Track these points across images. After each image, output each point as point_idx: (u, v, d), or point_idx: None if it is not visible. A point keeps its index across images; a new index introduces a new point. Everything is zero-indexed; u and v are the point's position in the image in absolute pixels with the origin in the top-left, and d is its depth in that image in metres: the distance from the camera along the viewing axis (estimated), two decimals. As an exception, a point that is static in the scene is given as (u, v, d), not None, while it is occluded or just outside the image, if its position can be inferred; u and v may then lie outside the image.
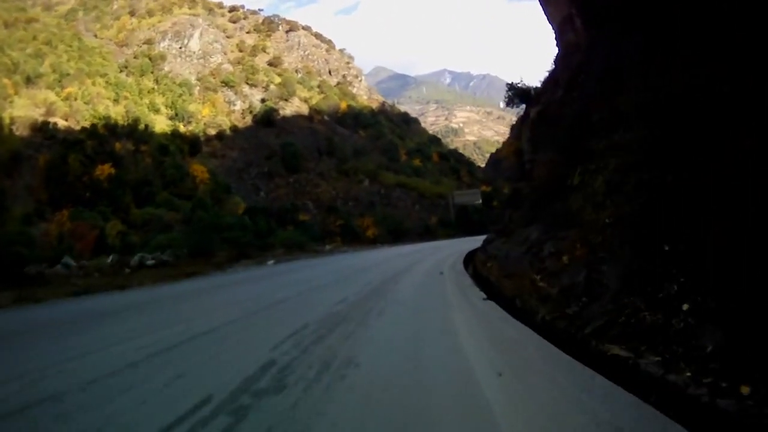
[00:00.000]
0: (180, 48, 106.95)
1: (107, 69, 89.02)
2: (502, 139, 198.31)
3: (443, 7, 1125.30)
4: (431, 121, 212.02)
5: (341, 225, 57.76)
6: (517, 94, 26.26)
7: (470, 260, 20.36)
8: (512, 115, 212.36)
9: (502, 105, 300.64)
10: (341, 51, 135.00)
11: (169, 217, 49.48)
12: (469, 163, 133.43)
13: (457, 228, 72.52)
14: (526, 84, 26.10)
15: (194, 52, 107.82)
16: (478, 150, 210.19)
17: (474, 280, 13.81)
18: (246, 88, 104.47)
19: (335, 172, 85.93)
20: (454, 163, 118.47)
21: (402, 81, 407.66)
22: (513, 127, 43.43)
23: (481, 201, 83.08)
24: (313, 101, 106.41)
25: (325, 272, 20.35)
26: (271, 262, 30.55)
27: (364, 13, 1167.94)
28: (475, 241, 32.73)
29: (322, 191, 79.74)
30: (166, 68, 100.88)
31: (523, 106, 26.54)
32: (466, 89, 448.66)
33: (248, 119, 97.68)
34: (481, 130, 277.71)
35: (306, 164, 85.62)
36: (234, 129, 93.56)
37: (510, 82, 26.82)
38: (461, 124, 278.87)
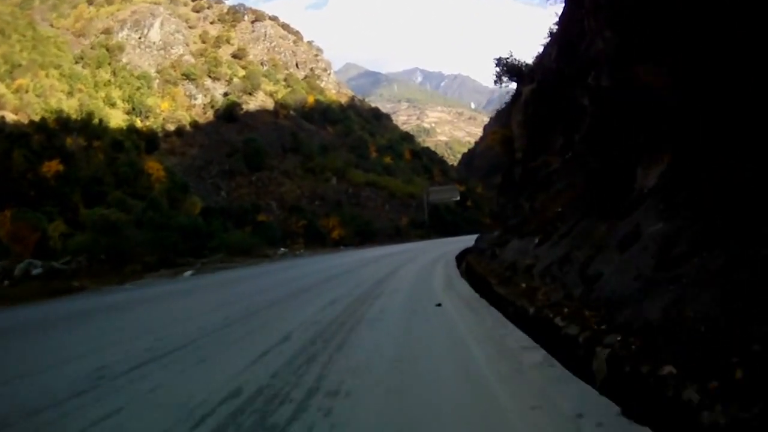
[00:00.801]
0: (139, 38, 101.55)
1: (62, 60, 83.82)
2: (473, 139, 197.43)
3: (416, 3, 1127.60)
4: (403, 120, 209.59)
5: (304, 226, 52.98)
6: (507, 70, 22.06)
7: (471, 274, 14.06)
8: (484, 116, 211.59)
9: (473, 105, 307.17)
10: (309, 43, 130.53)
11: (118, 218, 44.46)
12: (441, 162, 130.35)
13: (430, 229, 68.44)
14: (517, 59, 22.04)
15: (154, 43, 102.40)
16: (450, 150, 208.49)
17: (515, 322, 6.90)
18: (208, 82, 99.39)
19: (301, 169, 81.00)
20: (427, 161, 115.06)
21: (373, 78, 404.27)
22: (498, 114, 39.30)
23: (458, 198, 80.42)
24: (279, 95, 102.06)
25: (232, 299, 12.64)
26: (189, 273, 25.12)
27: (335, 8, 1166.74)
28: (454, 244, 31.30)
29: (287, 190, 74.81)
30: (124, 60, 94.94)
31: (513, 85, 23.04)
32: (437, 89, 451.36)
33: (210, 114, 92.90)
34: (452, 130, 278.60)
35: (270, 162, 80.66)
36: (194, 125, 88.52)
37: (498, 57, 22.76)
38: (433, 124, 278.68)
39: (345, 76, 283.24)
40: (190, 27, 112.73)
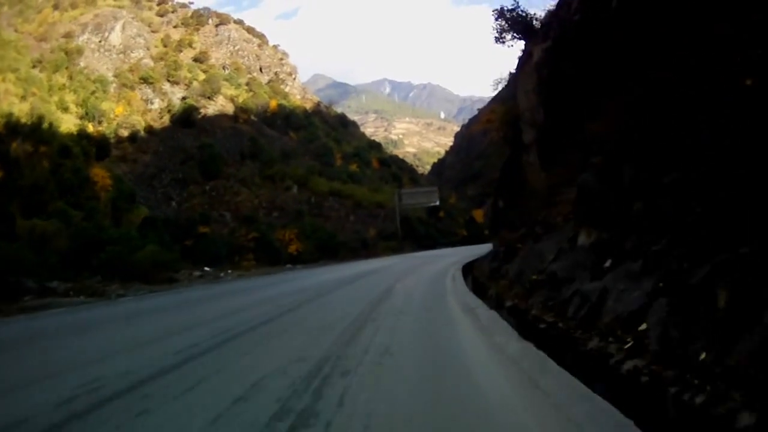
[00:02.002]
0: (99, 42, 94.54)
1: (20, 64, 76.56)
2: (443, 150, 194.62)
3: (385, 14, 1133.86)
4: (371, 132, 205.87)
5: (255, 239, 45.26)
6: (511, 25, 16.45)
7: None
8: (454, 125, 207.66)
9: (443, 115, 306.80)
10: (275, 47, 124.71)
11: (52, 229, 38.61)
12: (411, 170, 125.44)
13: (402, 241, 62.40)
14: (524, 10, 16.38)
15: (114, 47, 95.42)
16: (419, 161, 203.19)
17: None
18: (167, 86, 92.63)
19: (259, 177, 74.33)
20: (396, 169, 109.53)
21: (342, 89, 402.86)
22: (491, 101, 33.91)
23: (438, 202, 74.98)
24: (241, 100, 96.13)
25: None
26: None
27: (305, 19, 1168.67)
28: (438, 261, 30.94)
29: (243, 200, 68.13)
30: (82, 63, 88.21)
31: (520, 44, 18.65)
32: (406, 99, 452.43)
33: (166, 119, 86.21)
34: (420, 141, 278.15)
35: (227, 169, 74.06)
36: (149, 130, 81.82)
37: (500, 8, 17.63)
38: (401, 136, 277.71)
39: (313, 87, 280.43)
40: (153, 31, 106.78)
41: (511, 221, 19.43)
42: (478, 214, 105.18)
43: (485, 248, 42.87)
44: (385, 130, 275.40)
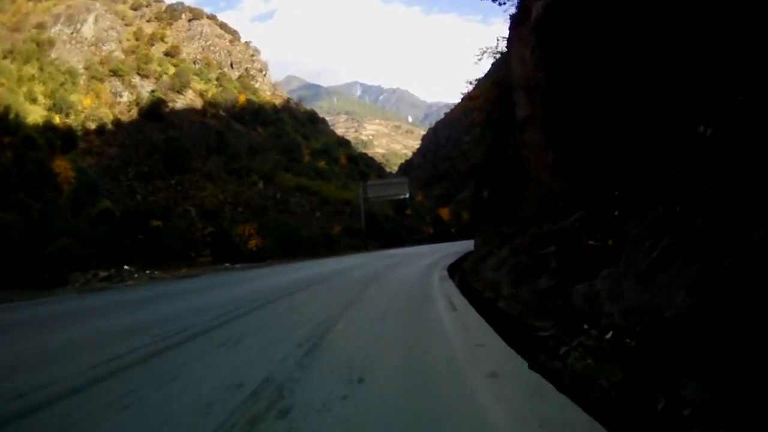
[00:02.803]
0: (71, 33, 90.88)
1: (-9, 54, 73.57)
2: (410, 152, 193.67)
3: (358, 20, 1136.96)
4: (341, 132, 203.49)
5: (213, 234, 40.27)
6: None
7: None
8: (421, 129, 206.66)
9: (410, 119, 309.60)
10: (246, 44, 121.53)
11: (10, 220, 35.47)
12: (379, 168, 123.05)
13: (367, 239, 58.83)
14: None
15: (86, 39, 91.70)
16: (387, 162, 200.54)
17: None
18: (137, 79, 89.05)
19: (225, 172, 71.00)
20: (364, 167, 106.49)
21: (314, 91, 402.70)
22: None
23: (407, 195, 69.33)
24: (210, 94, 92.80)
25: None
26: None
27: (280, 22, 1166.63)
28: (413, 263, 25.05)
29: (208, 194, 64.96)
30: (53, 55, 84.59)
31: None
32: (376, 102, 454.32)
33: (134, 112, 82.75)
34: (389, 143, 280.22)
35: (193, 163, 70.67)
36: (116, 123, 78.24)
37: None
38: (370, 137, 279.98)
39: (287, 88, 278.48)
40: (126, 24, 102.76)
41: (500, 214, 16.98)
42: (445, 212, 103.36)
43: (461, 246, 38.64)
44: (356, 131, 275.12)
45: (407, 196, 67.97)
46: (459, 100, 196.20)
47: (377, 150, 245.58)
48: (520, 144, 15.90)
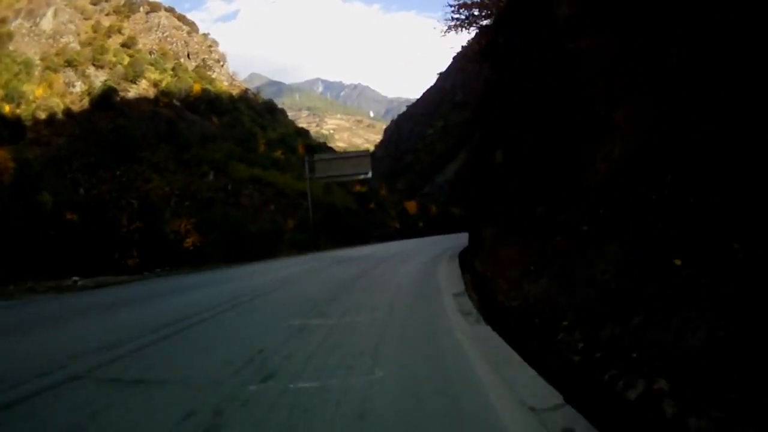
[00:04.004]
0: (31, 27, 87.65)
1: (-50, 47, 69.61)
2: (372, 146, 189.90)
3: (319, 18, 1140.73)
4: (302, 126, 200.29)
5: (140, 230, 33.07)
6: None
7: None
8: (383, 124, 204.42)
9: (372, 114, 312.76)
10: (204, 35, 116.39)
11: None
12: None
13: (317, 233, 48.96)
14: None
15: (44, 32, 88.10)
16: None
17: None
18: (91, 70, 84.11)
19: (173, 162, 63.92)
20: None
21: (276, 88, 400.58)
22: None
23: (370, 173, 53.27)
24: (164, 84, 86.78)
25: None
26: None
27: (244, 22, 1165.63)
28: (375, 280, 14.70)
29: (154, 186, 57.47)
30: (11, 48, 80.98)
31: None
32: (338, 98, 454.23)
33: (86, 102, 77.06)
34: (351, 137, 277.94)
35: (141, 154, 63.50)
36: (67, 112, 72.93)
37: None
38: (332, 131, 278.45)
39: (250, 86, 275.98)
40: (85, 18, 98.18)
41: (530, 190, 11.14)
42: (411, 206, 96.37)
43: (438, 245, 33.61)
44: (317, 125, 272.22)
45: (369, 174, 52.81)
46: (422, 93, 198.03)
47: (339, 144, 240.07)
48: (568, 59, 9.36)
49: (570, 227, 7.87)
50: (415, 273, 15.59)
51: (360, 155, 54.95)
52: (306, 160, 53.33)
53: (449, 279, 13.23)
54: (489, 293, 9.39)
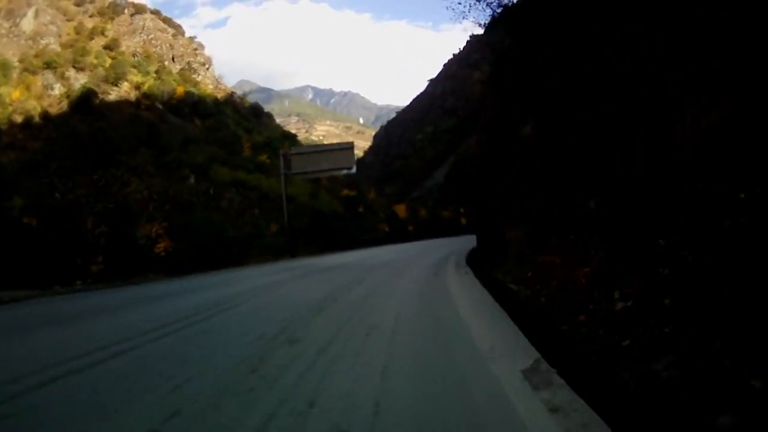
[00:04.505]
0: (10, 27, 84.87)
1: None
2: (361, 152, 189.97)
3: (310, 26, 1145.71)
4: (290, 131, 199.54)
5: (106, 235, 29.67)
6: None
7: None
8: (372, 130, 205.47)
9: (361, 121, 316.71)
10: (191, 38, 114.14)
11: None
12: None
13: (294, 239, 44.07)
14: None
15: (24, 32, 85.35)
16: None
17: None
18: (72, 72, 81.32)
19: (153, 166, 61.00)
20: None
21: (266, 94, 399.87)
22: None
23: (354, 168, 45.97)
24: (146, 86, 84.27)
25: None
26: None
27: (234, 28, 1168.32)
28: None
29: (132, 190, 54.90)
30: None
31: None
32: (327, 105, 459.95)
33: (65, 105, 74.61)
34: None
35: (120, 157, 60.72)
36: (45, 116, 70.25)
37: None
38: (321, 137, 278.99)
39: (239, 92, 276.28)
40: (68, 20, 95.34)
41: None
42: (401, 209, 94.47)
43: (440, 248, 31.18)
44: (306, 132, 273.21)
45: (353, 169, 45.85)
46: (411, 99, 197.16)
47: None
48: None
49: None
50: (417, 298, 10.08)
51: (342, 148, 47.06)
52: (281, 155, 48.53)
53: (478, 313, 7.68)
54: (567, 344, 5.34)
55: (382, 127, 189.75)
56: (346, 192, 79.19)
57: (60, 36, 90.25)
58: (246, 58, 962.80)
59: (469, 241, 29.62)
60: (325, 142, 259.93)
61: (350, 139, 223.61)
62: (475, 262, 17.28)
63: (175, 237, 32.95)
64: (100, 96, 75.65)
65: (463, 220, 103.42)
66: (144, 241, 30.30)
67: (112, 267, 25.83)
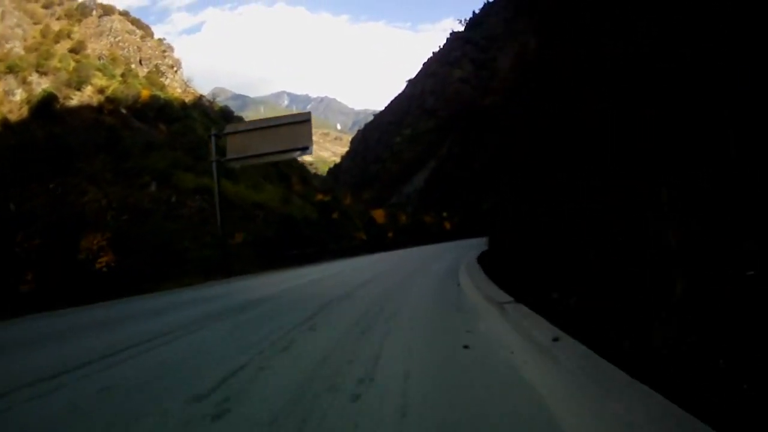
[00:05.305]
0: None
1: None
2: (339, 158, 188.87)
3: (286, 30, 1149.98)
4: None
5: (38, 248, 25.26)
6: None
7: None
8: (349, 136, 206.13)
9: (339, 126, 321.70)
10: (160, 40, 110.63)
11: None
12: (302, 168, 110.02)
13: (228, 257, 34.69)
14: None
15: None
16: (316, 170, 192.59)
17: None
18: (35, 76, 78.02)
19: (112, 173, 56.73)
20: (284, 167, 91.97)
21: (241, 101, 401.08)
22: None
23: (311, 149, 35.02)
24: (110, 90, 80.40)
25: None
26: None
27: (209, 33, 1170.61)
28: None
29: (90, 199, 51.30)
30: None
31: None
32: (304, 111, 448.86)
33: (25, 110, 71.15)
34: (318, 150, 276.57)
35: (79, 165, 57.17)
36: (4, 122, 67.13)
37: None
38: None
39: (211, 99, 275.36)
40: (35, 23, 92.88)
41: None
42: (379, 215, 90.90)
43: (435, 258, 26.51)
44: None
45: (310, 150, 35.14)
46: (388, 103, 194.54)
47: (305, 157, 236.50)
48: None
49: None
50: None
51: (295, 121, 34.93)
52: (211, 135, 38.25)
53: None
54: None
55: (359, 131, 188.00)
56: (320, 197, 75.97)
57: (25, 39, 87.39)
58: (221, 66, 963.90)
59: (463, 250, 26.22)
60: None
61: (327, 145, 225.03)
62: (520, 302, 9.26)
63: (124, 250, 29.19)
64: (62, 101, 72.21)
65: (448, 225, 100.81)
66: (86, 254, 26.67)
67: (45, 286, 22.29)
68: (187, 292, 21.06)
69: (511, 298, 9.66)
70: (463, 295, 11.30)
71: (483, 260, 19.90)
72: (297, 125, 34.12)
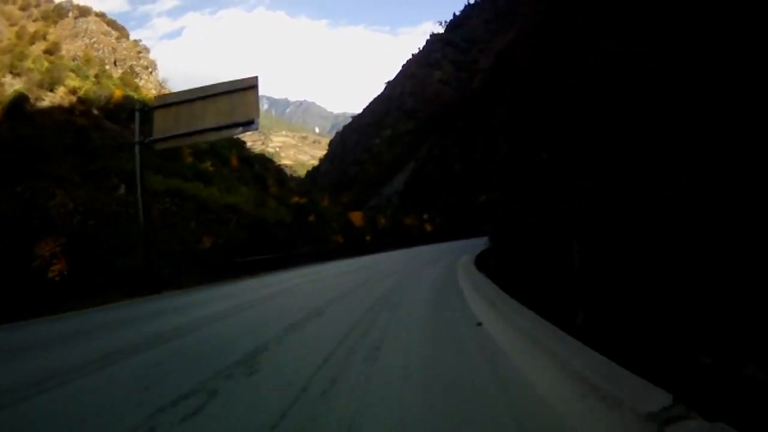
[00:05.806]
0: None
1: None
2: (317, 162, 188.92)
3: (265, 34, 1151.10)
4: (248, 146, 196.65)
5: None
6: None
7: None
8: (328, 139, 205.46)
9: (317, 130, 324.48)
10: (135, 41, 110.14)
11: None
12: (279, 171, 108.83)
13: (152, 259, 28.43)
14: None
15: None
16: (294, 173, 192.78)
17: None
18: (8, 78, 76.94)
19: (79, 175, 54.96)
20: (260, 169, 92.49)
21: None
22: None
23: (257, 123, 26.10)
24: (83, 91, 79.34)
25: None
26: None
27: (189, 38, 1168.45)
28: None
29: (57, 203, 49.26)
30: None
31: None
32: (282, 114, 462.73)
33: None
34: (296, 154, 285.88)
35: (48, 168, 55.15)
36: None
37: None
38: (277, 149, 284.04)
39: None
40: (11, 25, 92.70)
41: None
42: (357, 217, 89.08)
43: (428, 267, 22.81)
44: (263, 144, 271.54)
45: (255, 125, 26.29)
46: (368, 103, 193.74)
47: (285, 161, 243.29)
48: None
49: None
50: None
51: (237, 88, 26.43)
52: (136, 109, 29.96)
53: None
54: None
55: (337, 133, 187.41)
56: (296, 199, 74.43)
57: (0, 41, 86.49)
58: (201, 71, 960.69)
59: (452, 256, 24.45)
60: (282, 154, 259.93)
61: (306, 149, 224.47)
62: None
63: (81, 257, 27.21)
64: (33, 102, 70.94)
65: (429, 227, 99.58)
66: (39, 262, 24.76)
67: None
68: (81, 315, 17.00)
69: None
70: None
71: (491, 274, 13.64)
72: (240, 93, 26.10)
